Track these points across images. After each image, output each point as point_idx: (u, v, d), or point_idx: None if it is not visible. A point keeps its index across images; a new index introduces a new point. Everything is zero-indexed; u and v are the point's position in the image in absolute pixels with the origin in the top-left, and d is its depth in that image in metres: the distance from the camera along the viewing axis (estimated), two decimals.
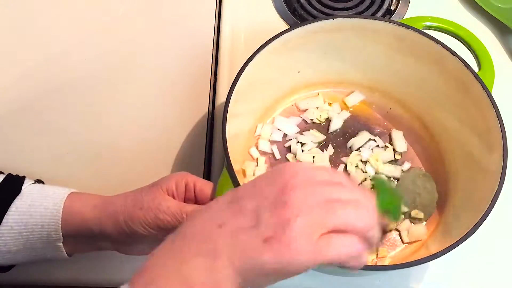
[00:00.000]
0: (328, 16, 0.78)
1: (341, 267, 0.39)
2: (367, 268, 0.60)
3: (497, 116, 0.61)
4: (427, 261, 0.55)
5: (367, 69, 0.74)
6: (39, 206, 0.54)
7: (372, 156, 0.71)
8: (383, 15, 0.86)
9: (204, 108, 0.76)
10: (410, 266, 0.55)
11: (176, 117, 0.75)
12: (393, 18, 0.85)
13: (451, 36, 0.68)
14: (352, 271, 0.41)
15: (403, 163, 0.72)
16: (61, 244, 0.55)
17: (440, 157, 0.73)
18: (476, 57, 0.67)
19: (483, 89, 0.62)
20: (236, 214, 0.38)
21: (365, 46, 0.70)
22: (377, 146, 0.73)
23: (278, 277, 0.38)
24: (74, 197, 0.55)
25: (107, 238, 0.55)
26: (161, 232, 0.53)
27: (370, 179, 0.70)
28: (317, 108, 0.75)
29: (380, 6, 0.86)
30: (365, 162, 0.72)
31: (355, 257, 0.39)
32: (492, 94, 0.63)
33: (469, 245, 0.55)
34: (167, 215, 0.52)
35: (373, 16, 0.84)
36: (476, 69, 0.65)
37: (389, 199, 0.53)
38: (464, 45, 0.68)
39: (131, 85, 0.78)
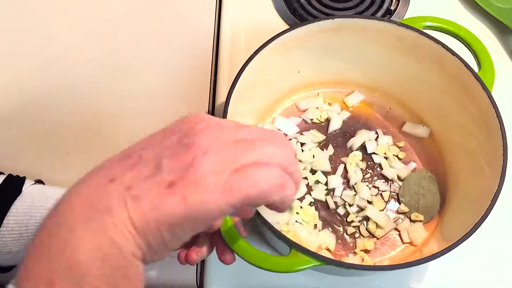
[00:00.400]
0: (328, 16, 0.78)
1: (267, 207, 0.33)
2: (367, 268, 0.60)
3: (497, 116, 0.61)
4: (427, 261, 0.54)
5: (367, 69, 0.74)
6: (40, 207, 0.53)
7: (379, 148, 0.72)
8: (383, 15, 0.86)
9: (204, 108, 0.76)
10: (410, 266, 0.54)
11: (176, 117, 0.75)
12: (393, 18, 0.85)
13: (451, 36, 0.68)
14: (279, 211, 0.35)
15: (408, 162, 0.73)
16: None
17: (440, 157, 0.73)
18: (476, 57, 0.66)
19: (483, 89, 0.62)
20: (131, 166, 0.32)
21: (365, 46, 0.70)
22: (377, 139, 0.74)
23: (187, 229, 0.32)
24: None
25: None
26: None
27: None
28: (317, 108, 0.75)
29: (380, 6, 0.86)
30: (370, 156, 0.73)
31: (279, 189, 0.33)
32: (492, 95, 0.63)
33: (469, 245, 0.55)
34: None
35: (373, 16, 0.84)
36: (476, 69, 0.65)
37: None
38: (464, 45, 0.67)
39: (131, 85, 0.78)
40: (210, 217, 0.31)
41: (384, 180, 0.71)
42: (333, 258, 0.60)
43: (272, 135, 0.35)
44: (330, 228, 0.68)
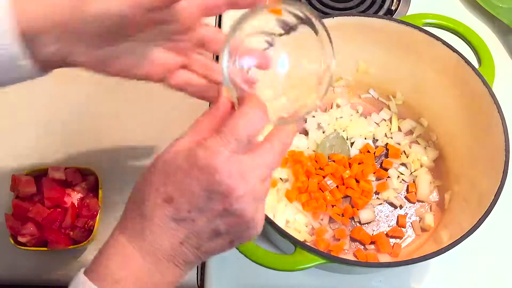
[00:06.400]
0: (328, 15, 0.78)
1: None
2: (372, 265, 0.60)
3: (498, 111, 0.60)
4: (431, 258, 0.54)
5: (367, 67, 0.74)
6: None
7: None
8: (384, 15, 0.85)
9: (205, 107, 0.76)
10: (414, 263, 0.54)
11: (177, 116, 0.75)
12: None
13: (451, 33, 0.68)
14: None
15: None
16: (25, 60, 0.43)
17: (442, 154, 0.73)
18: (476, 53, 0.66)
19: (484, 85, 0.62)
20: (191, 231, 0.41)
21: (365, 44, 0.70)
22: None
23: None
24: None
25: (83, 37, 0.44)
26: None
27: None
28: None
29: (381, 6, 0.86)
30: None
31: None
32: (493, 91, 0.63)
33: (469, 245, 0.55)
34: None
35: (372, 14, 0.84)
36: (476, 65, 0.65)
37: None
38: (464, 41, 0.68)
39: (132, 85, 0.78)
40: None
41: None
42: (338, 256, 0.60)
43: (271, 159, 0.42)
44: None
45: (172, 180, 0.41)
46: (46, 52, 0.43)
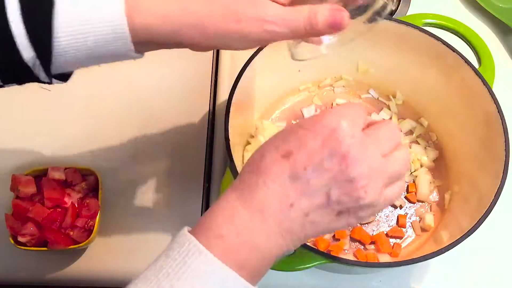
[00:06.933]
0: None
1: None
2: (372, 265, 0.60)
3: (498, 111, 0.60)
4: (432, 257, 0.54)
5: (367, 67, 0.74)
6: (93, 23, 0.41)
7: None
8: None
9: (205, 107, 0.76)
10: (414, 263, 0.54)
11: (177, 116, 0.75)
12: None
13: (451, 33, 0.68)
14: None
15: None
16: (133, 53, 0.45)
17: (442, 154, 0.73)
18: (476, 53, 0.67)
19: (484, 85, 0.62)
20: (303, 192, 0.40)
21: (365, 44, 0.70)
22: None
23: None
24: (132, 8, 0.42)
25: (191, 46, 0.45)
26: (264, 43, 0.47)
27: None
28: None
29: None
30: None
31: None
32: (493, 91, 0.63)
33: (469, 245, 0.55)
34: (276, 25, 0.42)
35: None
36: (476, 65, 0.65)
37: None
38: (464, 41, 0.68)
39: (131, 84, 0.78)
40: None
41: None
42: (338, 256, 0.59)
43: (398, 139, 0.44)
44: None
45: (294, 137, 0.41)
46: (165, 43, 0.45)
